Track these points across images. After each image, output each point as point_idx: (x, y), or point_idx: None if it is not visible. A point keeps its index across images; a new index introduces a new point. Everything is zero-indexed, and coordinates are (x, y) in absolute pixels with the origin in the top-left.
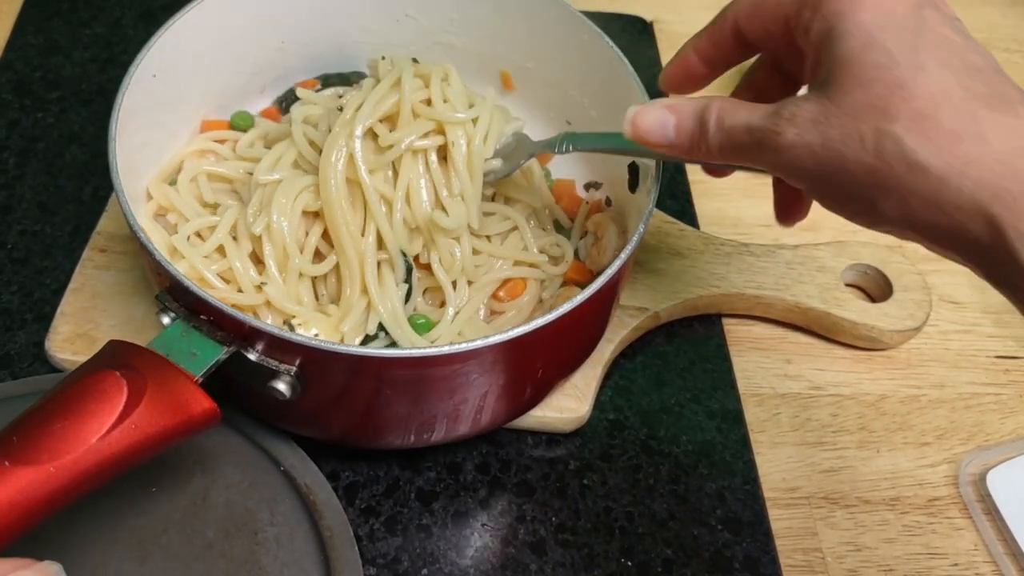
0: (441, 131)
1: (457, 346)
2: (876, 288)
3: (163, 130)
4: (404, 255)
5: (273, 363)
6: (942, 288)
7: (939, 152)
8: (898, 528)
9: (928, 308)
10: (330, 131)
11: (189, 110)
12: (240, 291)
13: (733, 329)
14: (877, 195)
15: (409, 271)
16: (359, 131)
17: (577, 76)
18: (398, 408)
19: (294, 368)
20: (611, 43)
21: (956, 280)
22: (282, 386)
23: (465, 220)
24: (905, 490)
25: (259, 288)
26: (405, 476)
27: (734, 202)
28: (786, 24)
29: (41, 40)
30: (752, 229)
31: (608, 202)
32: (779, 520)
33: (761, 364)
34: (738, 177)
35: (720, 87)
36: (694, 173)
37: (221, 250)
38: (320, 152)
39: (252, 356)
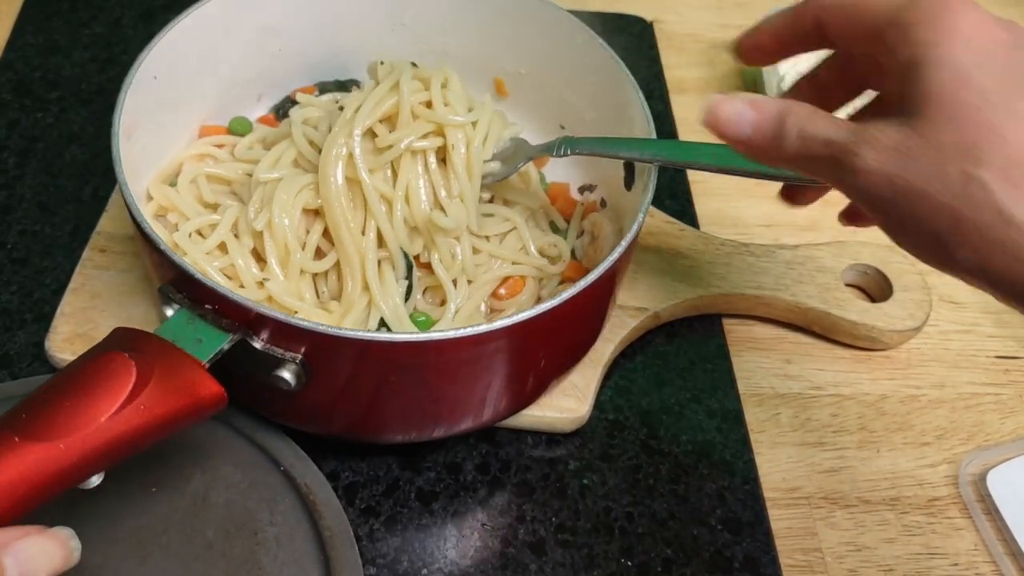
0: (440, 133)
1: (463, 330)
2: (876, 288)
3: (163, 132)
4: (404, 253)
5: (278, 351)
6: (942, 288)
7: None
8: (898, 528)
9: (928, 308)
10: (330, 131)
11: (188, 114)
12: (242, 287)
13: (733, 329)
14: (954, 240)
15: (409, 268)
16: (359, 131)
17: (571, 80)
18: (402, 398)
19: (299, 356)
20: (605, 45)
21: (956, 280)
22: (287, 375)
23: (464, 221)
24: (905, 490)
25: (261, 284)
26: (405, 476)
27: (734, 202)
28: (871, 36)
29: (41, 40)
30: (752, 229)
31: (603, 203)
32: (779, 520)
33: (761, 364)
34: (738, 177)
35: (720, 87)
36: (694, 174)
37: (223, 247)
38: (320, 152)
39: (257, 344)
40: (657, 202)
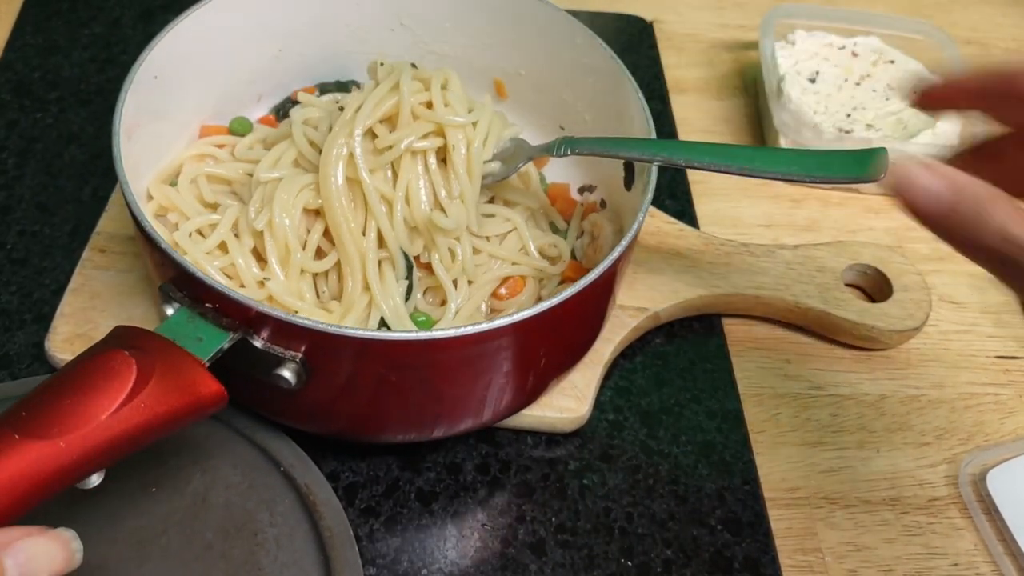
0: (440, 134)
1: (463, 329)
2: (876, 288)
3: (163, 133)
4: (404, 254)
5: (279, 350)
6: (942, 288)
7: None
8: (898, 528)
9: (928, 308)
10: (330, 131)
11: (188, 114)
12: (242, 286)
13: (733, 329)
14: None
15: (410, 269)
16: (359, 130)
17: (571, 80)
18: (402, 397)
19: (299, 355)
20: (605, 45)
21: (956, 280)
22: (287, 374)
23: (464, 221)
24: (905, 490)
25: (261, 284)
26: (405, 476)
27: (734, 202)
28: None
29: (40, 40)
30: (752, 229)
31: (603, 204)
32: (779, 520)
33: (761, 364)
34: (738, 177)
35: (720, 87)
36: (694, 174)
37: (223, 247)
38: (320, 152)
39: (257, 343)
40: (657, 202)
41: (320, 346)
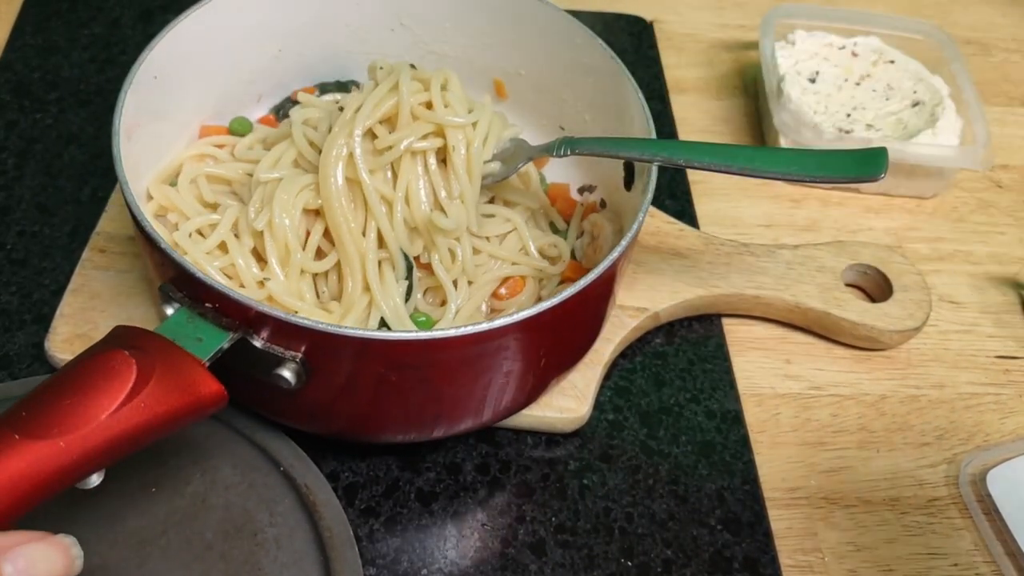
0: (440, 134)
1: (463, 329)
2: (876, 288)
3: (163, 133)
4: (404, 254)
5: (278, 350)
6: (942, 288)
7: None
8: (898, 528)
9: (928, 308)
10: (330, 131)
11: (188, 114)
12: (242, 287)
13: (733, 329)
14: None
15: (410, 269)
16: (359, 131)
17: (571, 81)
18: (402, 397)
19: (299, 355)
20: (605, 45)
21: (956, 280)
22: (287, 373)
23: (464, 222)
24: (905, 490)
25: (261, 284)
26: (405, 477)
27: (734, 202)
28: None
29: (40, 41)
30: (752, 229)
31: (603, 204)
32: (779, 520)
33: (761, 364)
34: (738, 177)
35: (720, 87)
36: (694, 174)
37: (223, 247)
38: (320, 152)
39: (257, 343)
40: (657, 202)
41: (320, 346)
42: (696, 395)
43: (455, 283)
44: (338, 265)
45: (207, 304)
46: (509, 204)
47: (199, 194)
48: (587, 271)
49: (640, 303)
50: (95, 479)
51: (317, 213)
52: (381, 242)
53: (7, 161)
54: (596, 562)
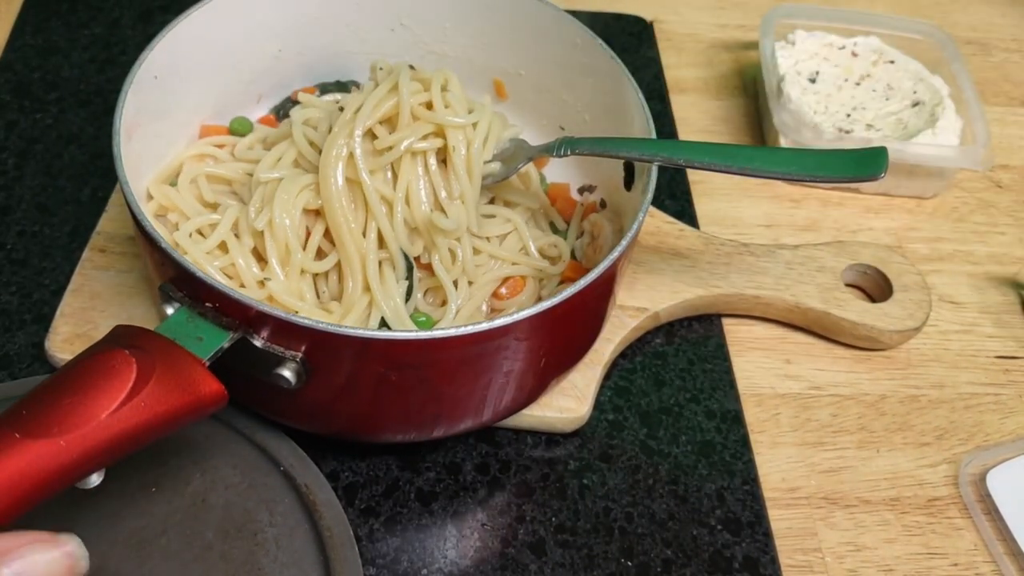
0: (440, 134)
1: (463, 328)
2: (876, 288)
3: (163, 133)
4: (405, 254)
5: (279, 349)
6: (942, 288)
7: None
8: (898, 528)
9: (928, 308)
10: (330, 131)
11: (188, 114)
12: (242, 287)
13: (733, 329)
14: None
15: (410, 269)
16: (359, 131)
17: (571, 80)
18: (402, 397)
19: (299, 354)
20: (605, 45)
21: (956, 280)
22: (287, 373)
23: (464, 222)
24: (905, 490)
25: (261, 284)
26: (405, 476)
27: (734, 202)
28: None
29: (40, 41)
30: (752, 229)
31: (603, 204)
32: (779, 520)
33: (761, 364)
34: (738, 177)
35: (720, 87)
36: (694, 174)
37: (223, 247)
38: (320, 152)
39: (257, 343)
40: (657, 202)
41: (320, 345)
42: (696, 395)
43: (455, 283)
44: (338, 265)
45: (207, 304)
46: (509, 204)
47: (199, 194)
48: (587, 271)
49: (640, 303)
50: (95, 479)
51: (317, 213)
52: (381, 242)
53: (7, 161)
54: (596, 562)
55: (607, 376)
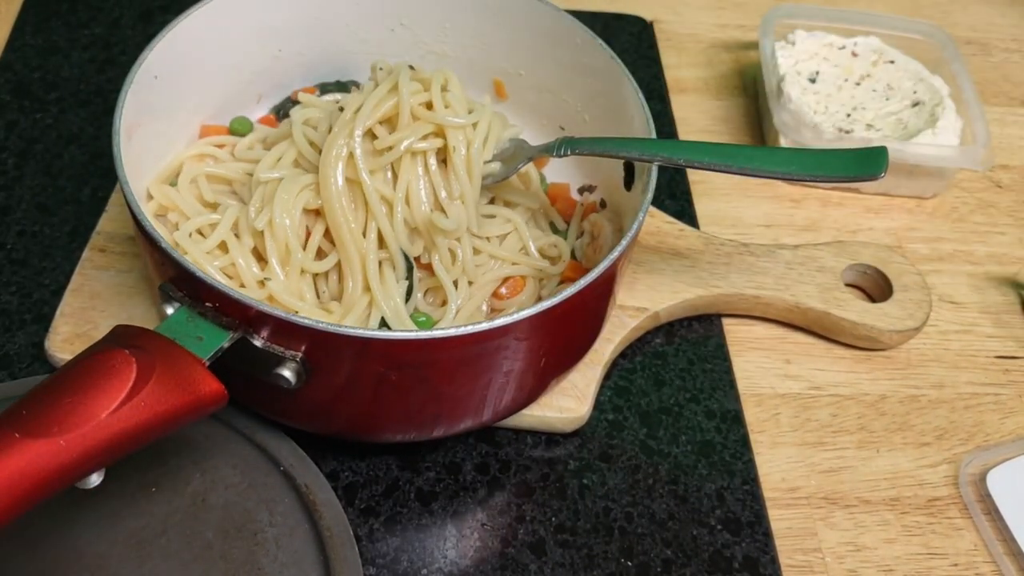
0: (440, 134)
1: (463, 328)
2: (876, 288)
3: (163, 133)
4: (405, 254)
5: (279, 349)
6: (942, 288)
7: None
8: (898, 528)
9: (928, 308)
10: (330, 131)
11: (188, 114)
12: (242, 286)
13: (733, 329)
14: None
15: (410, 269)
16: (359, 131)
17: (570, 81)
18: (402, 396)
19: (299, 354)
20: (605, 45)
21: (956, 280)
22: (287, 373)
23: (464, 222)
24: (905, 490)
25: (261, 284)
26: (404, 476)
27: (734, 202)
28: None
29: (40, 41)
30: (752, 229)
31: (603, 204)
32: (779, 520)
33: (761, 364)
34: (738, 177)
35: (720, 87)
36: (694, 174)
37: (223, 247)
38: (320, 152)
39: (257, 342)
40: (657, 202)
41: (320, 345)
42: (696, 395)
43: (455, 283)
44: (338, 265)
45: (207, 303)
46: (509, 204)
47: (199, 194)
48: (587, 271)
49: (640, 303)
50: (95, 479)
51: (317, 213)
52: (381, 242)
53: (7, 161)
54: (596, 562)
55: (607, 376)
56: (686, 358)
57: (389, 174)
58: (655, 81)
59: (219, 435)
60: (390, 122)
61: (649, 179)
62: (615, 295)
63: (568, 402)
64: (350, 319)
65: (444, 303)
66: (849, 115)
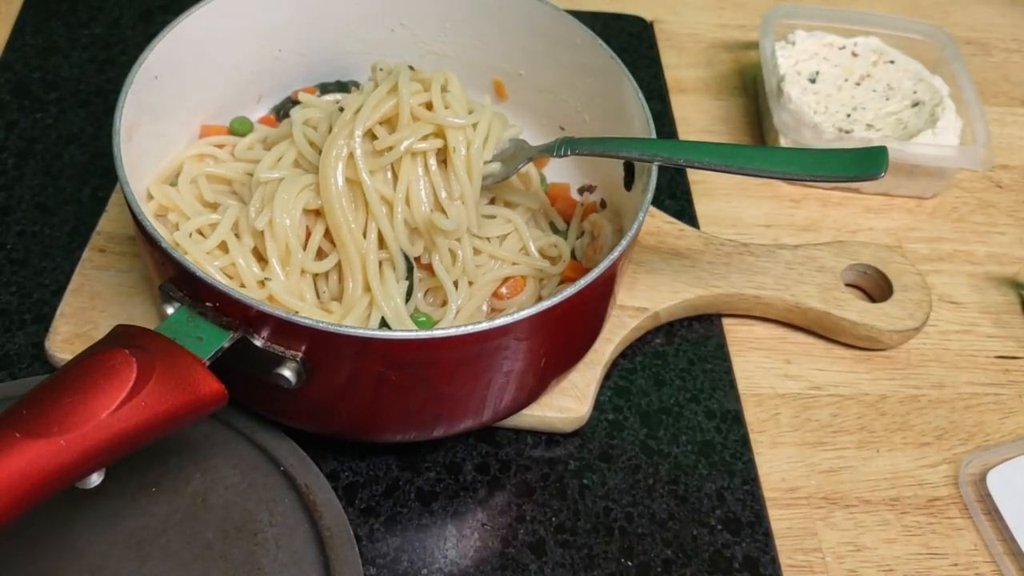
0: (441, 135)
1: (463, 328)
2: (876, 288)
3: (163, 133)
4: (405, 254)
5: (279, 349)
6: (942, 288)
7: None
8: (898, 528)
9: (928, 308)
10: (330, 131)
11: (188, 114)
12: (243, 286)
13: (733, 329)
14: None
15: (410, 269)
16: (359, 132)
17: (570, 81)
18: (403, 396)
19: (300, 354)
20: (605, 45)
21: (956, 280)
22: (288, 373)
23: (464, 223)
24: (905, 490)
25: (262, 284)
26: (405, 476)
27: (734, 202)
28: None
29: (40, 41)
30: (752, 229)
31: (603, 204)
32: (779, 520)
33: (761, 364)
34: (738, 177)
35: (720, 87)
36: (694, 173)
37: (223, 247)
38: (320, 152)
39: (258, 342)
40: (657, 202)
41: (321, 345)
42: (696, 395)
43: (456, 283)
44: (339, 265)
45: (207, 303)
46: (510, 205)
47: (199, 194)
48: (587, 271)
49: (640, 303)
50: (95, 479)
51: (318, 213)
52: (382, 243)
53: (7, 161)
54: (596, 562)
55: (607, 376)
56: (686, 358)
57: (389, 174)
58: (655, 81)
59: (219, 435)
60: (390, 122)
61: (649, 179)
62: (615, 295)
63: (568, 402)
64: (350, 319)
65: (444, 303)
66: (849, 115)
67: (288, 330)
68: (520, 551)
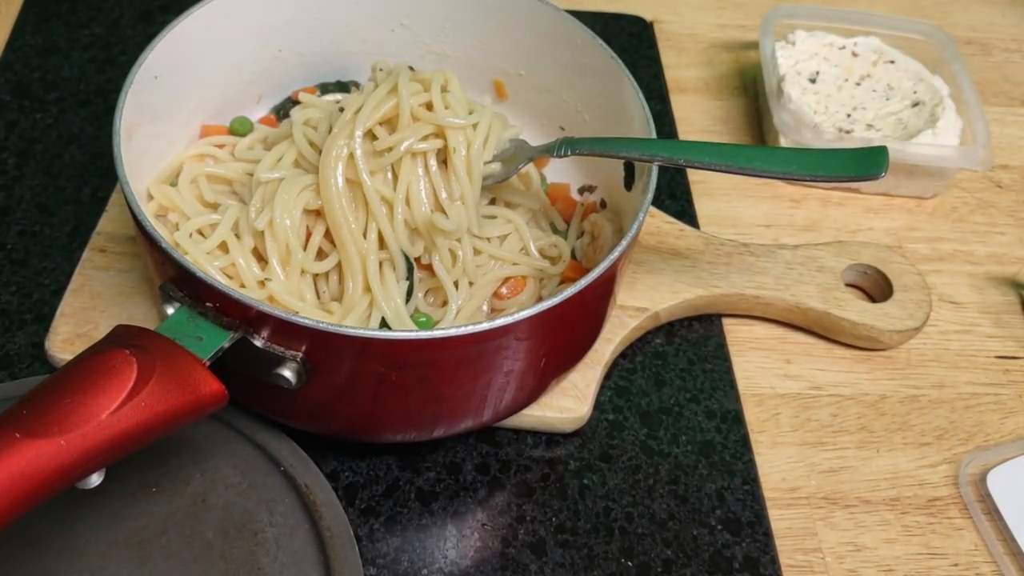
0: (441, 135)
1: (463, 328)
2: (876, 288)
3: (163, 133)
4: (405, 255)
5: (279, 349)
6: (942, 288)
7: None
8: (898, 528)
9: (928, 308)
10: (330, 132)
11: (188, 114)
12: (243, 287)
13: (733, 329)
14: None
15: (410, 270)
16: (359, 132)
17: (571, 81)
18: (403, 396)
19: (300, 354)
20: (605, 45)
21: (956, 280)
22: (288, 373)
23: (465, 223)
24: (905, 490)
25: (262, 284)
26: (405, 476)
27: (734, 202)
28: None
29: (40, 41)
30: (752, 229)
31: (603, 204)
32: (779, 520)
33: (761, 364)
34: (738, 177)
35: (720, 87)
36: (694, 173)
37: (223, 247)
38: (320, 153)
39: (258, 342)
40: (657, 202)
41: (321, 345)
42: (696, 395)
43: (456, 284)
44: (339, 266)
45: (208, 303)
46: (510, 205)
47: (199, 194)
48: (587, 271)
49: (640, 303)
50: (95, 479)
51: (318, 213)
52: (382, 243)
53: (7, 161)
54: (596, 562)
55: (607, 376)
56: (686, 358)
57: (389, 175)
58: (655, 81)
59: (219, 435)
60: (390, 123)
61: (649, 179)
62: (615, 295)
63: (568, 402)
64: (351, 319)
65: (445, 303)
66: (849, 115)
67: (288, 330)
68: (520, 551)
